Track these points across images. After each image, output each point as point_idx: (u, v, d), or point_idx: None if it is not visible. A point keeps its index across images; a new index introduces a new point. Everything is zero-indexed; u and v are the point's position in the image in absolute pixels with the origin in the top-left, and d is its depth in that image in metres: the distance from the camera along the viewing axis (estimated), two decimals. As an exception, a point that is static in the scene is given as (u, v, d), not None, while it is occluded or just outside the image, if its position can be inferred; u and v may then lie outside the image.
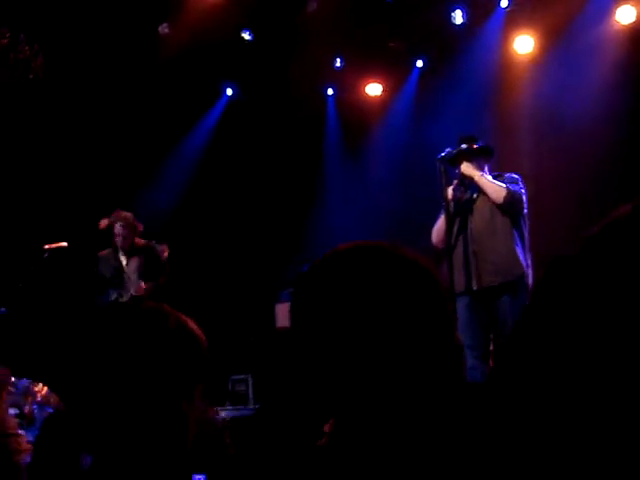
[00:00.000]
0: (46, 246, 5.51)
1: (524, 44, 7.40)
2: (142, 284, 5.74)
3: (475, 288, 4.71)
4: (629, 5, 6.84)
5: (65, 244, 5.61)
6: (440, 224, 4.93)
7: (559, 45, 7.13)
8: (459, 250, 4.78)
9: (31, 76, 5.16)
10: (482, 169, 4.92)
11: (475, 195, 4.87)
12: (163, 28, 7.57)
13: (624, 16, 6.89)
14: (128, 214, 5.85)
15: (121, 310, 1.29)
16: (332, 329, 0.98)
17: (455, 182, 4.88)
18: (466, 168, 4.88)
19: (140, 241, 5.85)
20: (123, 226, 5.75)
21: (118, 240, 5.80)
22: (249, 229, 8.32)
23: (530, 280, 4.78)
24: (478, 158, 4.94)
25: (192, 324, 1.29)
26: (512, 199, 4.72)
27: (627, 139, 6.76)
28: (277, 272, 7.81)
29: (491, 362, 4.91)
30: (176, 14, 7.38)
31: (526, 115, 7.38)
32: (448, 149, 4.91)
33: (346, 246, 1.07)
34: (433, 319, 1.00)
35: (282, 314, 7.21)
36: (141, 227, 5.84)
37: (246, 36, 7.85)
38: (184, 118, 8.30)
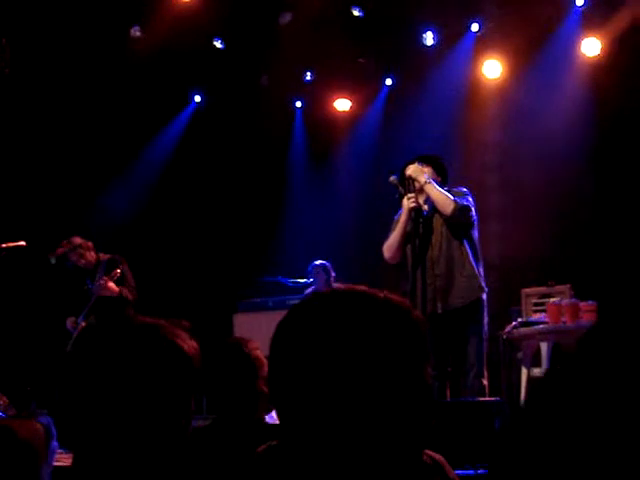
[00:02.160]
0: (3, 245, 5.43)
1: (492, 69, 7.51)
2: (109, 282, 5.72)
3: (440, 312, 4.65)
4: (594, 38, 7.00)
5: (23, 243, 5.53)
6: (392, 240, 4.79)
7: (526, 72, 7.25)
8: (420, 272, 4.69)
9: (-4, 71, 5.07)
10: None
11: (430, 212, 4.71)
12: (135, 31, 7.53)
13: (589, 48, 7.04)
14: (73, 239, 5.98)
15: (116, 328, 1.30)
16: (312, 370, 0.99)
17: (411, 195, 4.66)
18: (413, 170, 4.68)
19: (105, 256, 5.99)
20: (71, 252, 5.92)
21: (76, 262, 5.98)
22: (211, 238, 8.27)
23: (485, 296, 4.76)
24: (428, 168, 4.81)
25: (188, 340, 1.31)
26: (460, 212, 4.58)
27: (592, 158, 6.92)
28: (237, 282, 7.78)
29: (447, 383, 4.88)
30: (149, 18, 7.35)
31: (491, 136, 7.50)
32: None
33: (326, 292, 1.07)
34: (411, 365, 1.00)
35: (240, 324, 7.17)
36: (90, 244, 5.97)
37: (218, 44, 7.84)
38: (150, 123, 8.24)
